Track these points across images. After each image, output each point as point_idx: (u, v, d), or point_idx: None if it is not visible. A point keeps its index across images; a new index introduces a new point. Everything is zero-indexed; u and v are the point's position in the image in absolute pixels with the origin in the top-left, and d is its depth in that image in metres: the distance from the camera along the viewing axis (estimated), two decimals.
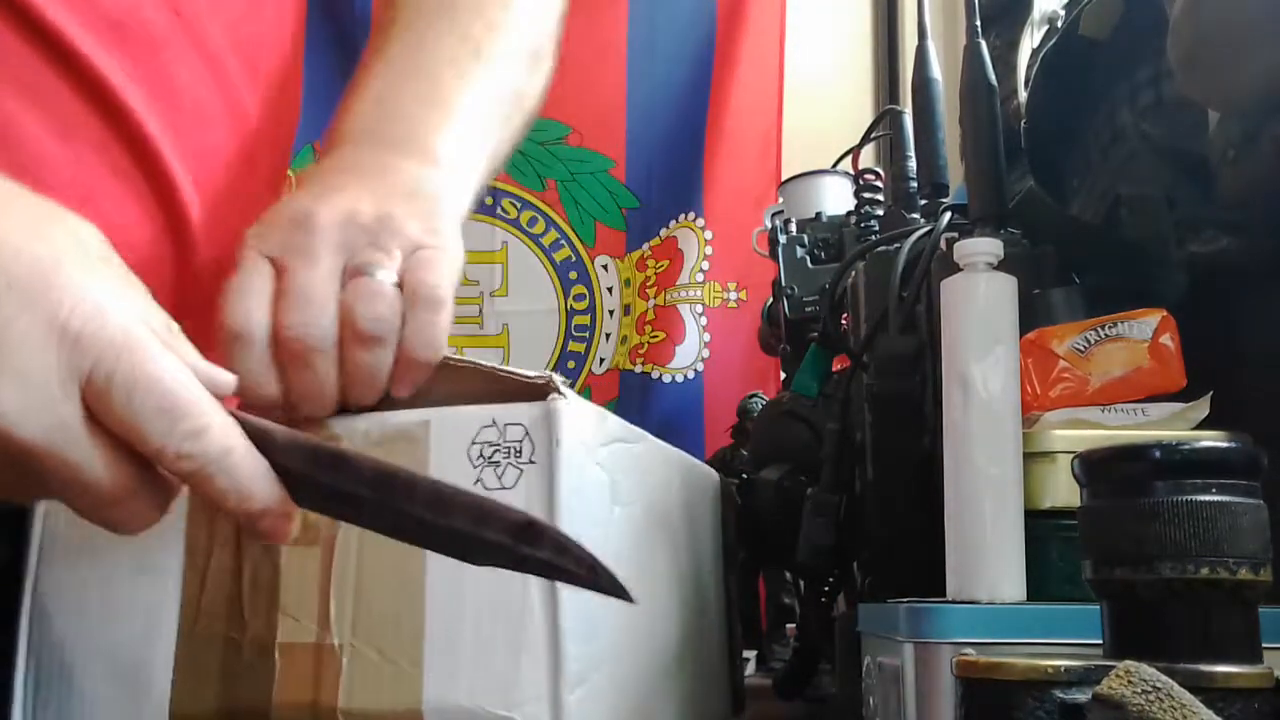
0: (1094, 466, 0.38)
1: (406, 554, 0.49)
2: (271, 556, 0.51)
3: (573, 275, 2.07)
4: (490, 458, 0.50)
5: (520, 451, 0.50)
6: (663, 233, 2.04)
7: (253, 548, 0.52)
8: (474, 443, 0.50)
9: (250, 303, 0.50)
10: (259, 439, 0.42)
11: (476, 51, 0.64)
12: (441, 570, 0.49)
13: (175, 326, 0.43)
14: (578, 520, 0.49)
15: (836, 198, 1.13)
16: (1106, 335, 0.56)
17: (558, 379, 0.50)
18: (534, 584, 0.48)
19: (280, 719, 0.50)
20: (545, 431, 0.49)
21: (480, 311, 2.03)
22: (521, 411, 0.50)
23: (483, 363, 0.52)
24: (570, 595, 0.48)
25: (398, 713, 0.49)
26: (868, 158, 1.11)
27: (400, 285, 0.51)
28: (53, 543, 0.53)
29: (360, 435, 0.52)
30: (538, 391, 0.50)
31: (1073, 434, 0.53)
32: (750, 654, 1.15)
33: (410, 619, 0.49)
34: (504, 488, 0.49)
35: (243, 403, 0.48)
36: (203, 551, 0.52)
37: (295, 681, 0.50)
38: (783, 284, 0.94)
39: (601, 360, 2.06)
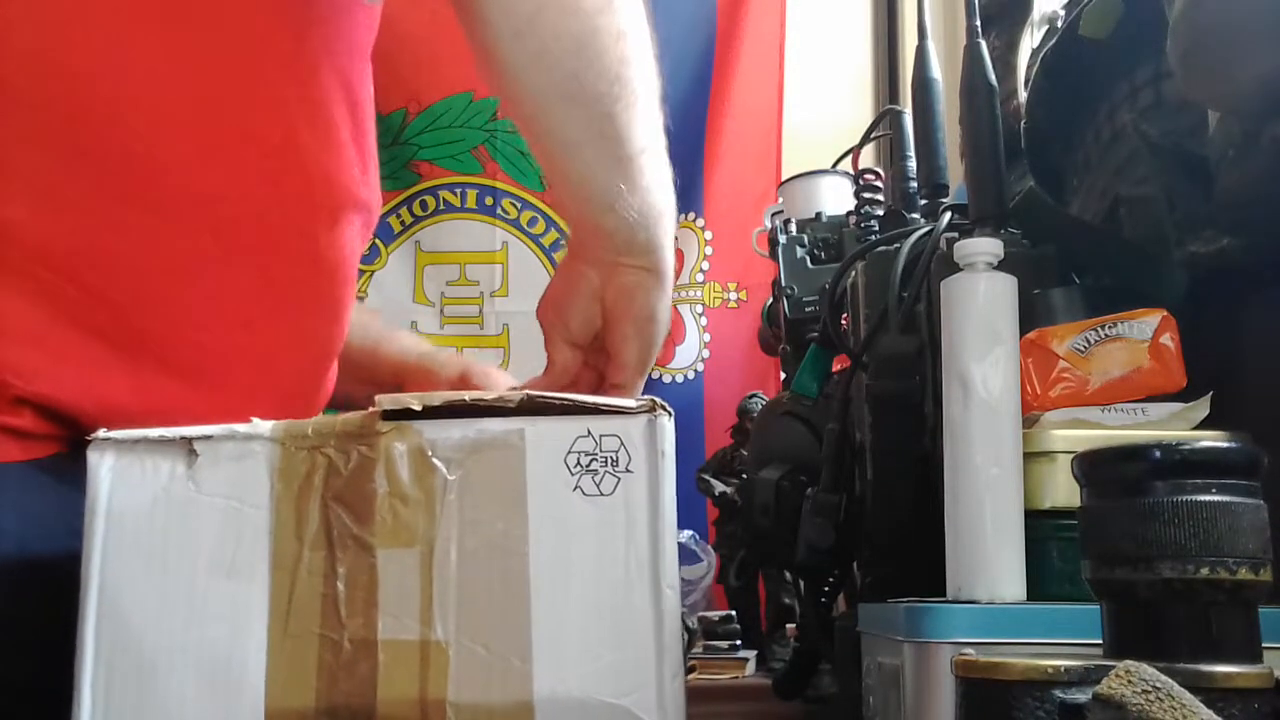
0: (1094, 466, 0.38)
1: (508, 555, 0.53)
2: (367, 557, 0.54)
3: None
4: (588, 466, 0.54)
5: (617, 461, 0.53)
6: None
7: (347, 550, 0.54)
8: (570, 451, 0.54)
9: None
10: None
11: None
12: (543, 571, 0.53)
13: None
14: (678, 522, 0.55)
15: (836, 198, 1.12)
16: (1106, 335, 0.56)
17: (659, 401, 0.55)
18: (636, 584, 0.53)
19: (386, 714, 0.52)
20: (648, 443, 0.54)
21: (480, 311, 2.03)
22: (616, 424, 0.54)
23: (578, 397, 0.55)
24: (669, 594, 0.53)
25: (509, 705, 0.52)
26: (868, 158, 1.11)
27: None
28: (119, 547, 0.54)
29: (455, 441, 0.54)
30: (638, 411, 0.54)
31: (1073, 434, 0.53)
32: (750, 654, 1.15)
33: (516, 617, 0.53)
34: (602, 494, 0.53)
35: None
36: (291, 554, 0.54)
37: (401, 677, 0.52)
38: (783, 284, 0.94)
39: None
